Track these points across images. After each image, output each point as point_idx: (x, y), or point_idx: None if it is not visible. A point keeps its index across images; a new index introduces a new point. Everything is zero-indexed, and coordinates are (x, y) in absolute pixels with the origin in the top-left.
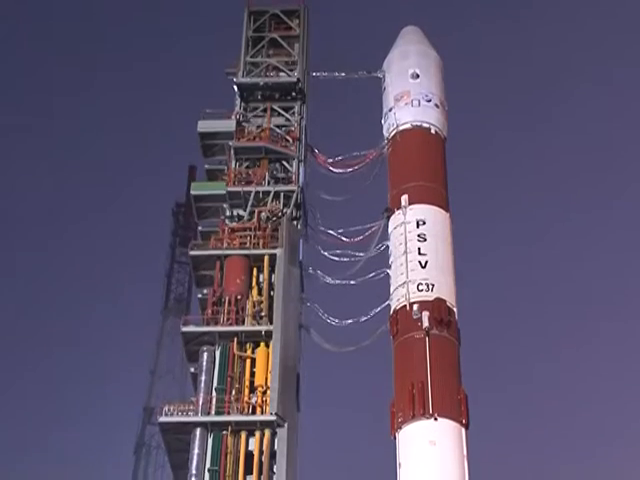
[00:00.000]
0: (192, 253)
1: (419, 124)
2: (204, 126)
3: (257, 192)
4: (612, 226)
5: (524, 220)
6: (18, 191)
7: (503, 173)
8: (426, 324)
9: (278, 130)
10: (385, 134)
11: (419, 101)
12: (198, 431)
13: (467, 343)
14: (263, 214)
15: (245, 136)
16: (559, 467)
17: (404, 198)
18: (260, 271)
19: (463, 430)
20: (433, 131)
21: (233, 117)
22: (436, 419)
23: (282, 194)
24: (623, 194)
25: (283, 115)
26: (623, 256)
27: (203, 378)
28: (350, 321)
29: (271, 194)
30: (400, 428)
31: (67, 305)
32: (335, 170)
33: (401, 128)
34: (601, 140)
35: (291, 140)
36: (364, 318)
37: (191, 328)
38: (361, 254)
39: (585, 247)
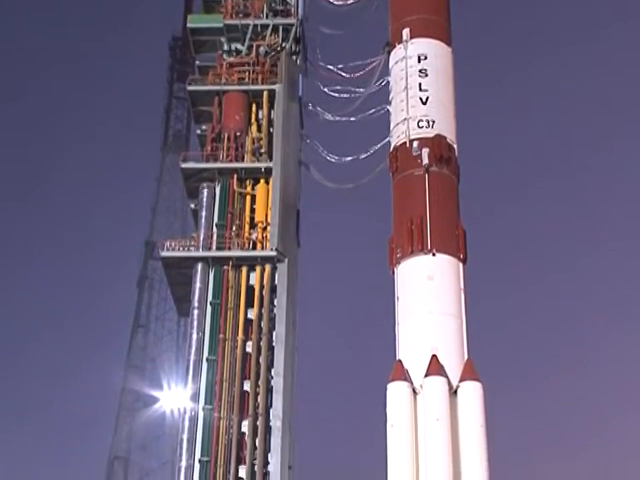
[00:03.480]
0: (190, 88)
1: None
2: None
3: (255, 25)
4: None
5: (529, 54)
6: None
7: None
8: (426, 161)
9: None
10: None
11: None
12: (199, 266)
13: (466, 180)
14: (261, 48)
15: None
16: (557, 300)
17: (405, 32)
18: (259, 107)
19: (460, 265)
20: None
21: None
22: (434, 254)
23: (281, 27)
24: None
25: None
26: None
27: (204, 214)
28: (350, 158)
29: (269, 27)
30: (398, 263)
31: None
32: (335, 2)
33: None
34: None
35: None
36: (364, 155)
37: (190, 164)
38: (361, 90)
39: None
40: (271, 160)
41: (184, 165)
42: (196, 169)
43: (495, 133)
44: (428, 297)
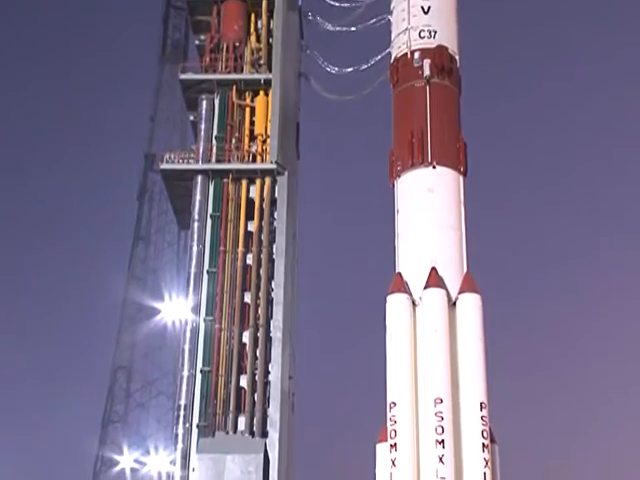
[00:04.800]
0: None
1: None
2: None
3: None
4: None
5: None
6: None
7: None
8: (427, 72)
9: None
10: None
11: None
12: (199, 178)
13: (468, 92)
14: None
15: None
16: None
17: None
18: (258, 17)
19: (461, 178)
20: None
21: None
22: (434, 167)
23: None
24: None
25: None
26: None
27: (203, 126)
28: (350, 69)
29: None
30: (399, 176)
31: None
32: None
33: None
34: None
35: None
36: (364, 66)
37: (189, 75)
38: None
39: None
40: (270, 72)
41: (183, 76)
42: (195, 80)
43: (498, 44)
44: (428, 210)
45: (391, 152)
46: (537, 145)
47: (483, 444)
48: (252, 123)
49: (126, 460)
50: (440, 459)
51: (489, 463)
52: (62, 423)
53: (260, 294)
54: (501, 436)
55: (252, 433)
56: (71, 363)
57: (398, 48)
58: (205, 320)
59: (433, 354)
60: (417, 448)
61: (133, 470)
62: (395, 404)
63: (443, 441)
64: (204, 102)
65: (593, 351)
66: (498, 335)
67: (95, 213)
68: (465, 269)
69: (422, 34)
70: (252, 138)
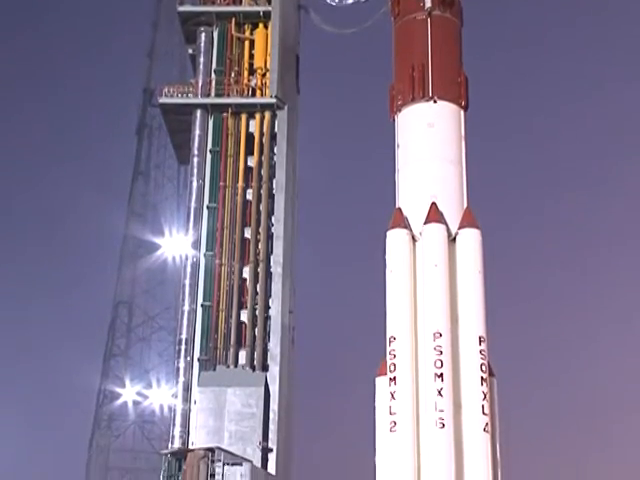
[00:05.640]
0: None
1: None
2: None
3: None
4: None
5: None
6: None
7: None
8: (428, 4)
9: None
10: None
11: None
12: (198, 113)
13: (470, 25)
14: None
15: None
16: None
17: None
18: None
19: (462, 112)
20: None
21: None
22: (435, 101)
23: None
24: None
25: None
26: None
27: (202, 60)
28: (351, 1)
29: None
30: (399, 111)
31: None
32: None
33: None
34: None
35: None
36: None
37: (187, 8)
38: None
39: None
40: (270, 4)
41: (181, 8)
42: (193, 12)
43: None
44: (428, 144)
45: (391, 86)
46: (541, 79)
47: (482, 377)
48: (251, 56)
49: (128, 393)
50: (439, 392)
51: (487, 396)
52: (64, 356)
53: (260, 229)
54: (500, 370)
55: (253, 367)
56: (73, 298)
57: None
58: (205, 255)
59: (432, 289)
60: (416, 381)
61: (135, 403)
62: (395, 338)
63: (442, 374)
64: (203, 35)
65: (592, 280)
66: (497, 269)
67: (94, 148)
68: (465, 204)
69: None
70: (251, 72)
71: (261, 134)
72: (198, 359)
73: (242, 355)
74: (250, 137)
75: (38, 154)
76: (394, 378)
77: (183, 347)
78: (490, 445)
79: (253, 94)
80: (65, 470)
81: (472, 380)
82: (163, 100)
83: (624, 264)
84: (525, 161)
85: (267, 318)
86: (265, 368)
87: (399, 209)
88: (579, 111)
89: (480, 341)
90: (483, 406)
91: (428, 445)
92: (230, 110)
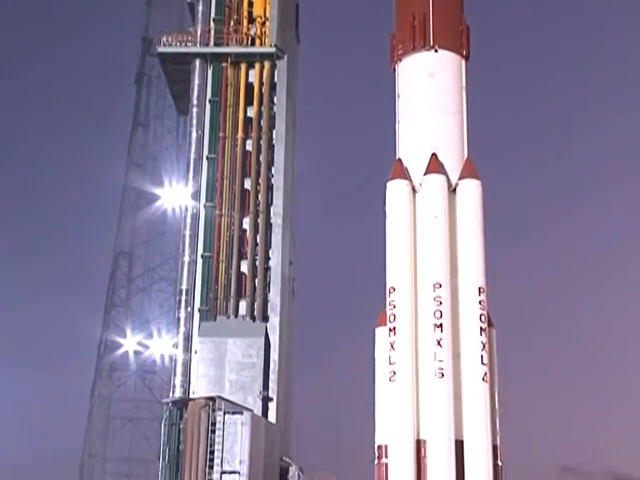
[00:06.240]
0: None
1: None
2: None
3: None
4: None
5: None
6: None
7: None
8: None
9: None
10: None
11: None
12: (197, 62)
13: None
14: None
15: None
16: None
17: None
18: None
19: (463, 62)
20: None
21: None
22: (436, 50)
23: None
24: None
25: None
26: None
27: (200, 8)
28: None
29: None
30: (400, 60)
31: None
32: None
33: None
34: None
35: None
36: None
37: None
38: None
39: None
40: None
41: None
42: None
43: None
44: (429, 95)
45: (392, 35)
46: (544, 28)
47: (481, 328)
48: (250, 4)
49: (129, 343)
50: (438, 342)
51: (486, 346)
52: (65, 307)
53: (260, 180)
54: (499, 320)
55: (253, 317)
56: (73, 249)
57: None
58: (205, 206)
59: (432, 240)
60: (415, 332)
61: (136, 353)
62: (394, 289)
63: (441, 325)
64: None
65: (593, 229)
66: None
67: (92, 97)
68: (466, 155)
69: None
70: (251, 20)
71: (260, 84)
72: (199, 309)
73: (242, 306)
74: (249, 87)
75: (37, 104)
76: (394, 329)
77: (184, 298)
78: (489, 394)
79: (252, 43)
80: (68, 419)
81: (471, 330)
82: (162, 49)
83: (626, 211)
84: (526, 111)
85: (267, 269)
86: (265, 319)
87: (399, 160)
88: (581, 62)
89: (479, 292)
90: (482, 356)
91: (427, 395)
92: (229, 60)
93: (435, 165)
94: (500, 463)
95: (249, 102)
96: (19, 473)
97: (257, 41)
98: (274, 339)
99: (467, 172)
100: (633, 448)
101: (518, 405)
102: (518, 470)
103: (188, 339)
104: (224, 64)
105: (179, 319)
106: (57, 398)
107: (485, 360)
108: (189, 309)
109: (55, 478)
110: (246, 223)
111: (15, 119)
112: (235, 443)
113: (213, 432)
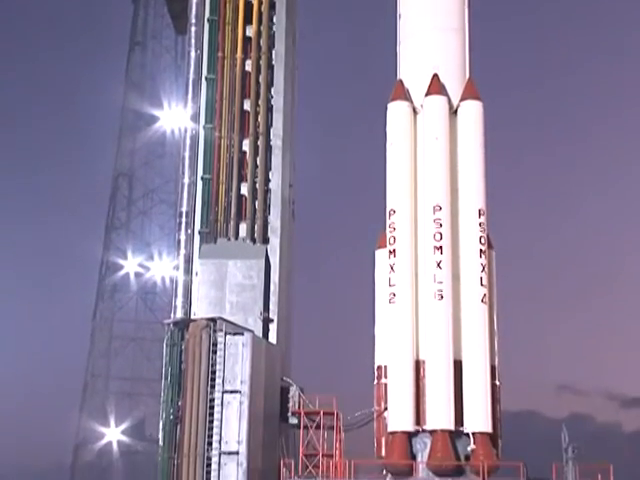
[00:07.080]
0: None
1: None
2: None
3: None
4: None
5: None
6: None
7: None
8: None
9: None
10: None
11: None
12: None
13: None
14: None
15: None
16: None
17: None
18: None
19: None
20: None
21: None
22: None
23: None
24: None
25: None
26: None
27: None
28: None
29: None
30: None
31: None
32: None
33: None
34: None
35: None
36: None
37: None
38: None
39: None
40: None
41: None
42: None
43: None
44: (430, 12)
45: None
46: None
47: (480, 250)
48: None
49: (130, 265)
50: (438, 264)
51: (486, 268)
52: (66, 228)
53: (260, 101)
54: (499, 242)
55: (253, 239)
56: (73, 170)
57: None
58: (205, 128)
59: (433, 162)
60: (415, 254)
61: (137, 275)
62: (395, 211)
63: (441, 247)
64: None
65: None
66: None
67: (89, 18)
68: (467, 75)
69: None
70: None
71: (260, 2)
72: (199, 232)
73: (242, 228)
74: (249, 5)
75: (34, 24)
76: (394, 251)
77: (184, 220)
78: (488, 316)
79: None
80: (70, 340)
81: (471, 252)
82: None
83: (630, 132)
84: (530, 30)
85: (267, 191)
86: (265, 241)
87: (400, 81)
88: None
89: (480, 214)
90: (481, 278)
91: (427, 316)
92: None
93: (436, 86)
94: (498, 383)
95: (248, 21)
96: (23, 395)
97: None
98: (274, 261)
99: (468, 93)
100: (629, 368)
101: (516, 326)
102: (515, 389)
103: (189, 261)
104: None
105: (179, 241)
106: (60, 319)
107: (484, 282)
108: (189, 231)
109: (59, 398)
110: (246, 145)
111: (16, 43)
112: (236, 363)
113: (214, 352)
